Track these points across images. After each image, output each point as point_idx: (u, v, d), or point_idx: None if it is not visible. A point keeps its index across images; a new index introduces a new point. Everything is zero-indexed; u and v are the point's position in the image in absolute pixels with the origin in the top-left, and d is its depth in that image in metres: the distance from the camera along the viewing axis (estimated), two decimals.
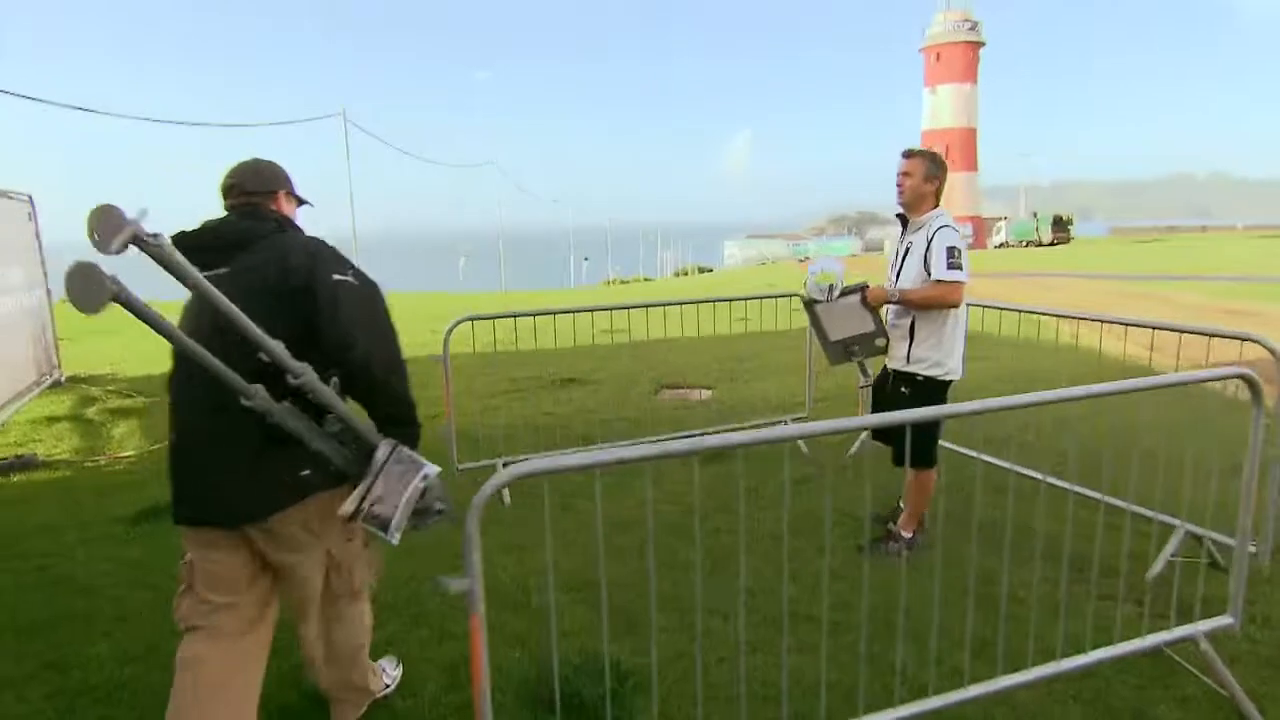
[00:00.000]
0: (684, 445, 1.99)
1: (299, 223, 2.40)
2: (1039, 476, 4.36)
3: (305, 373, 1.97)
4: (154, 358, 10.36)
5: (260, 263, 2.11)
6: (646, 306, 5.55)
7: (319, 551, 2.27)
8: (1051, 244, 49.25)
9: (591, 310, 5.74)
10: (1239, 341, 3.55)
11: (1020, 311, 5.26)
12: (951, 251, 3.54)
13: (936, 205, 3.72)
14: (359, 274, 2.14)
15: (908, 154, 3.74)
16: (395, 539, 2.08)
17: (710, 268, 48.96)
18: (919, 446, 3.76)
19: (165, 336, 1.85)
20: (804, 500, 4.60)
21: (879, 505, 4.48)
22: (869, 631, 3.01)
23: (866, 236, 52.17)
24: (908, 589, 3.50)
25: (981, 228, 52.99)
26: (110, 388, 8.68)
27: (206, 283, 1.78)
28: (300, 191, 2.46)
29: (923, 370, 3.70)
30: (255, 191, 2.30)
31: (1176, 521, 3.82)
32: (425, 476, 2.15)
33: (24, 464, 5.79)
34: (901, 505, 4.21)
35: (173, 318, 1.99)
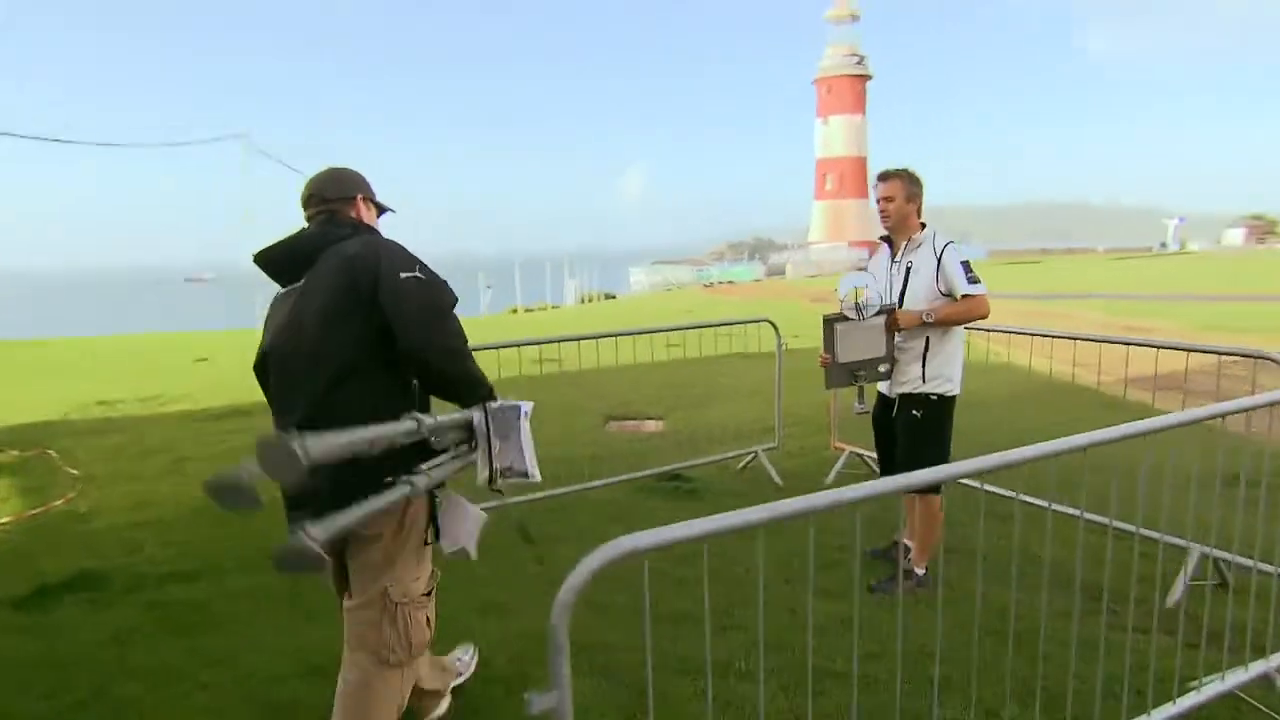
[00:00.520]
0: (798, 505, 1.66)
1: (379, 228, 2.41)
2: (1044, 504, 4.28)
3: (421, 421, 2.03)
4: (18, 404, 9.19)
5: (330, 270, 2.11)
6: (613, 335, 5.19)
7: (379, 582, 2.18)
8: None
9: (559, 341, 5.32)
10: (1251, 359, 3.47)
11: (1031, 335, 5.18)
12: (967, 266, 3.47)
13: (921, 222, 3.61)
14: (425, 269, 2.13)
15: (884, 177, 3.59)
16: (538, 476, 2.28)
17: (614, 294, 48.90)
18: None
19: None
20: (792, 538, 4.32)
21: (874, 537, 4.25)
22: (904, 684, 2.75)
23: (770, 261, 53.40)
24: (928, 630, 3.27)
25: (874, 252, 55.21)
26: None
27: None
28: (380, 199, 2.46)
29: (937, 389, 3.55)
30: (333, 199, 2.30)
31: (1183, 542, 3.74)
32: (525, 413, 2.30)
33: None
34: (901, 540, 3.98)
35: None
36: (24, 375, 12.79)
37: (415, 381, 2.16)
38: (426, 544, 2.28)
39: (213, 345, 17.20)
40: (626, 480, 5.12)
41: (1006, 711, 2.88)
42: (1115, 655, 3.04)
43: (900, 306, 3.58)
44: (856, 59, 57.99)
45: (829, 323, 3.68)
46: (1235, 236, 66.67)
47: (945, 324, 3.50)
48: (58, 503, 5.35)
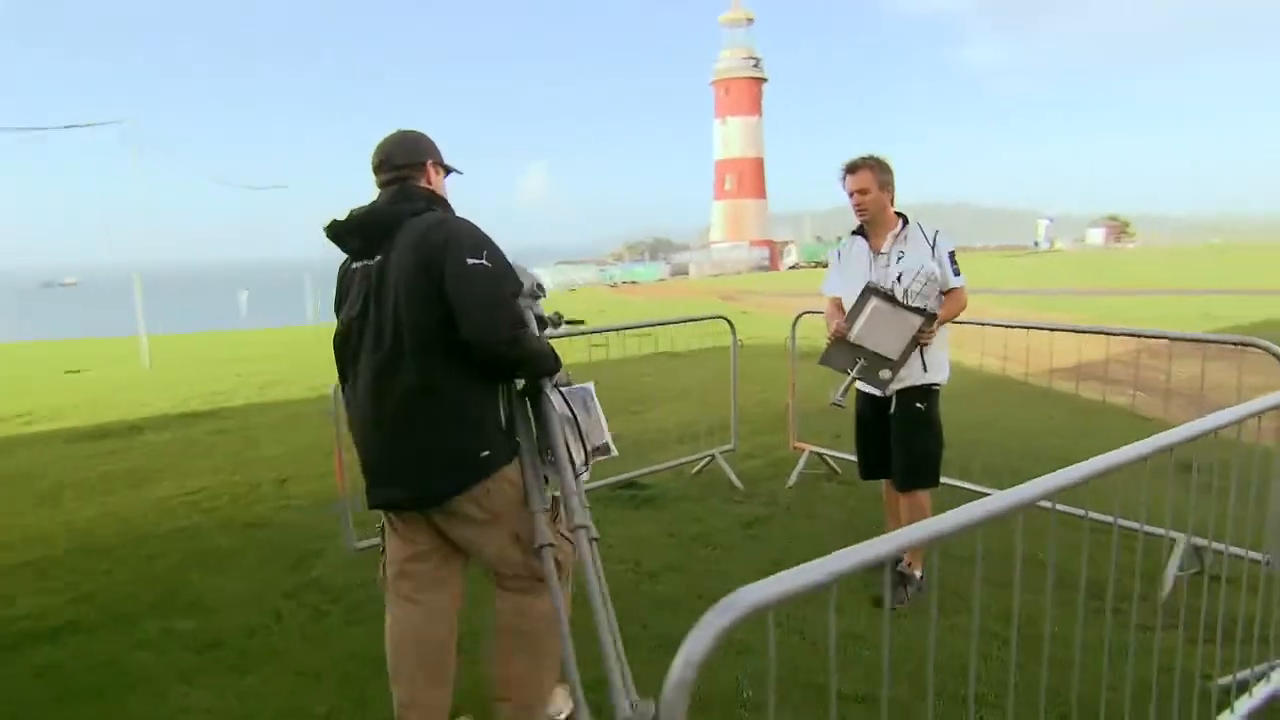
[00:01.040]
0: (923, 533, 1.37)
1: (448, 193, 2.38)
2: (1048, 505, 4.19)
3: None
4: None
5: (409, 247, 2.10)
6: (568, 335, 4.80)
7: (500, 532, 2.23)
8: (819, 267, 53.68)
9: None
10: (1239, 348, 3.45)
11: (1026, 328, 5.07)
12: (953, 257, 3.32)
13: (898, 212, 3.41)
14: (493, 255, 2.13)
15: (852, 169, 3.34)
16: (615, 450, 2.45)
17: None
18: (931, 464, 3.42)
19: None
20: (768, 546, 4.08)
21: (851, 542, 4.05)
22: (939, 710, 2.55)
23: (673, 261, 53.72)
24: (944, 645, 3.08)
25: (775, 251, 56.52)
26: None
27: None
28: (448, 160, 2.40)
29: (935, 378, 3.41)
30: (404, 164, 2.26)
31: (1163, 532, 3.70)
32: (592, 393, 2.40)
33: None
34: None
35: None
36: None
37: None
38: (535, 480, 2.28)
39: (84, 356, 15.65)
40: (601, 486, 4.75)
41: None
42: (1139, 657, 2.93)
43: (899, 301, 3.33)
44: (752, 61, 59.16)
45: (869, 291, 3.35)
46: (1096, 236, 71.92)
47: (945, 322, 3.38)
48: None
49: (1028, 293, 23.72)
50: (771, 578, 1.17)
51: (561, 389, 2.31)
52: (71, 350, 17.25)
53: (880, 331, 3.33)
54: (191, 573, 3.94)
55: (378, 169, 2.29)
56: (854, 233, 3.51)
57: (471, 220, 2.21)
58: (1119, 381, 7.85)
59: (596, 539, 2.25)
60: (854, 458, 4.98)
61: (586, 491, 4.71)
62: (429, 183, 2.30)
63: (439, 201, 2.28)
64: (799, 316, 5.26)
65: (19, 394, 10.40)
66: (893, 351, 3.31)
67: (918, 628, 3.22)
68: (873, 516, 4.39)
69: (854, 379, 3.41)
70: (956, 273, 3.33)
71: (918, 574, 3.46)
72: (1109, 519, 3.92)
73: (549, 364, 2.29)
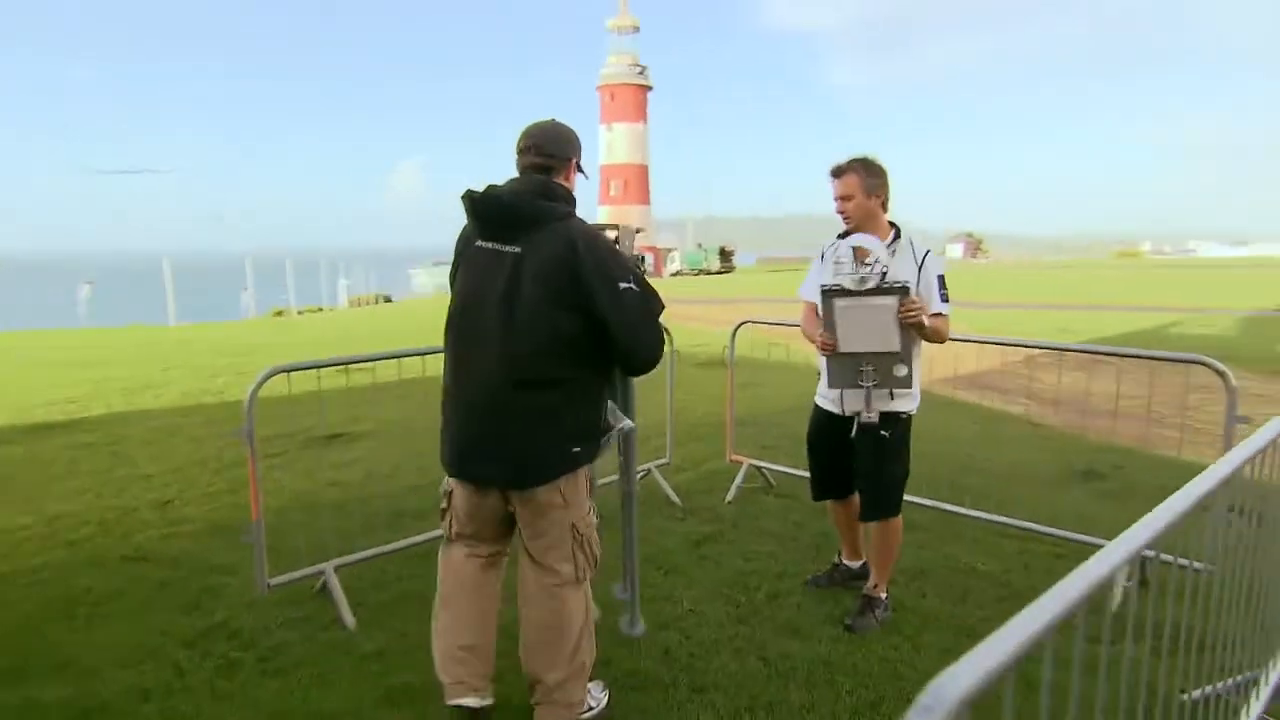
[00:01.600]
0: (1104, 571, 1.22)
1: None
2: (962, 511, 4.22)
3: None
4: None
5: (552, 254, 2.19)
6: None
7: (565, 520, 2.38)
8: (719, 272, 54.73)
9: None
10: (1185, 364, 3.57)
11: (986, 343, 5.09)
12: (942, 281, 3.11)
13: (891, 222, 3.19)
14: (639, 279, 2.26)
15: (837, 172, 3.14)
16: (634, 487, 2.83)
17: (390, 297, 46.14)
18: (892, 494, 3.32)
19: None
20: (723, 568, 3.91)
21: (804, 560, 3.96)
22: None
23: None
24: (915, 664, 3.00)
25: (659, 257, 57.10)
26: None
27: None
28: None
29: (905, 407, 3.22)
30: (552, 155, 2.33)
31: (1104, 542, 3.81)
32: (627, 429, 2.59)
33: None
34: (841, 563, 3.73)
35: None
36: None
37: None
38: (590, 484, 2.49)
39: None
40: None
41: None
42: (1099, 671, 2.95)
43: (860, 291, 3.05)
44: (638, 69, 59.60)
45: (827, 295, 3.08)
46: (955, 250, 77.02)
47: (925, 338, 3.12)
48: None
49: None
50: (968, 661, 0.98)
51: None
52: None
53: (864, 329, 3.06)
54: (55, 624, 3.31)
55: (524, 151, 2.34)
56: (840, 235, 3.25)
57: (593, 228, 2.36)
58: (1010, 390, 8.26)
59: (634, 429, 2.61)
60: (790, 470, 4.96)
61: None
62: (568, 179, 2.39)
63: (573, 206, 2.36)
64: (739, 326, 5.14)
65: None
66: (890, 344, 3.03)
67: (888, 647, 3.14)
68: (818, 528, 4.32)
69: (871, 390, 3.11)
70: (944, 299, 3.08)
71: (883, 596, 3.39)
72: (1052, 531, 4.04)
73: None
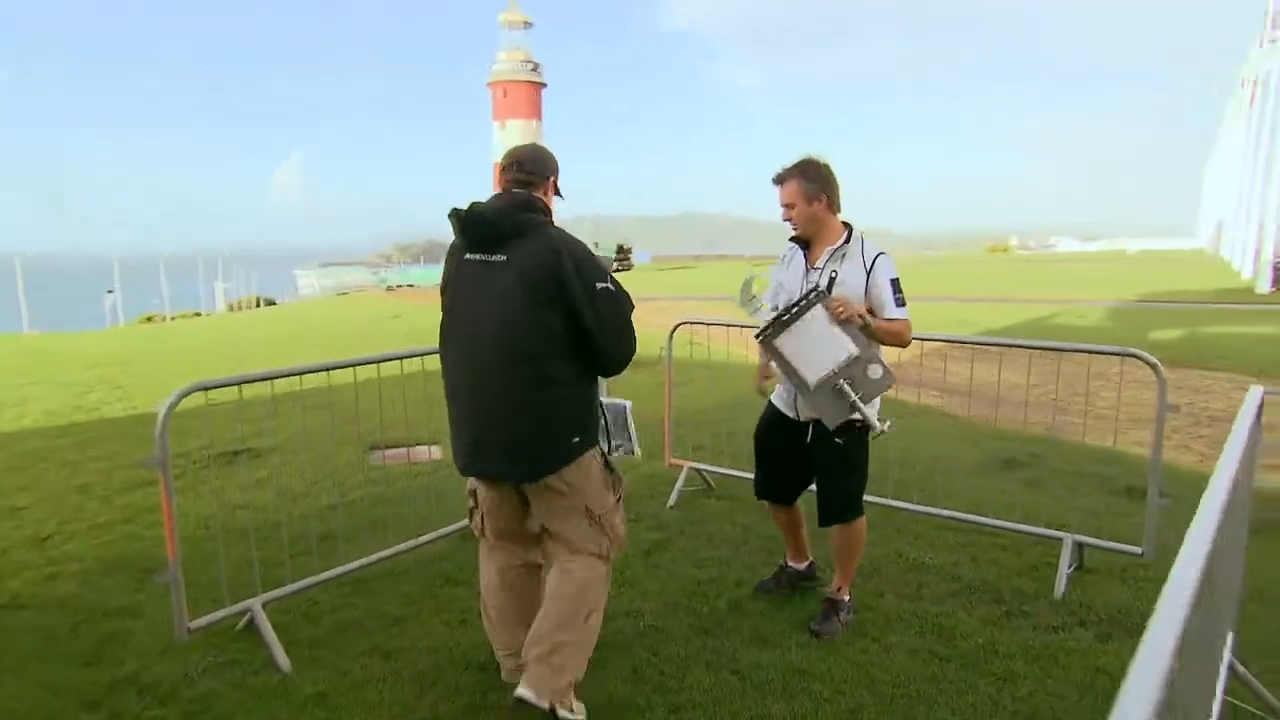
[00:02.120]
0: (1181, 612, 1.15)
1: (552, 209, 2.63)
2: (912, 507, 4.25)
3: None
4: None
5: (537, 261, 2.38)
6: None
7: (578, 502, 2.56)
8: (618, 270, 54.91)
9: (380, 360, 4.12)
10: (1118, 357, 3.69)
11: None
12: (896, 285, 3.03)
13: (844, 222, 3.13)
14: (615, 281, 2.45)
15: (778, 180, 3.07)
16: (638, 452, 3.07)
17: (273, 300, 43.79)
18: (848, 500, 3.27)
19: None
20: (677, 577, 3.79)
21: (757, 564, 3.89)
22: None
23: None
24: (889, 668, 2.98)
25: None
26: None
27: None
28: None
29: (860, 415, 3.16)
30: (533, 173, 2.56)
31: (1044, 530, 3.92)
32: (628, 409, 3.00)
33: None
34: (788, 564, 3.66)
35: None
36: None
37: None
38: (606, 468, 2.67)
39: None
40: (455, 530, 4.16)
41: None
42: (1061, 660, 3.01)
43: (782, 317, 2.97)
44: (531, 65, 58.90)
45: (765, 342, 2.97)
46: None
47: (880, 340, 3.02)
48: None
49: None
50: None
51: (601, 401, 2.77)
52: None
53: (815, 350, 2.91)
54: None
55: (507, 169, 2.58)
56: (792, 239, 3.18)
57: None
58: (925, 384, 8.52)
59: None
60: (729, 471, 4.89)
61: (457, 526, 4.17)
62: (546, 196, 2.59)
63: (550, 215, 2.57)
64: (676, 328, 5.03)
65: None
66: (845, 349, 2.88)
67: (858, 651, 3.10)
68: (765, 531, 4.27)
69: (858, 403, 2.90)
70: (900, 303, 2.98)
71: (847, 598, 3.35)
72: (989, 521, 4.13)
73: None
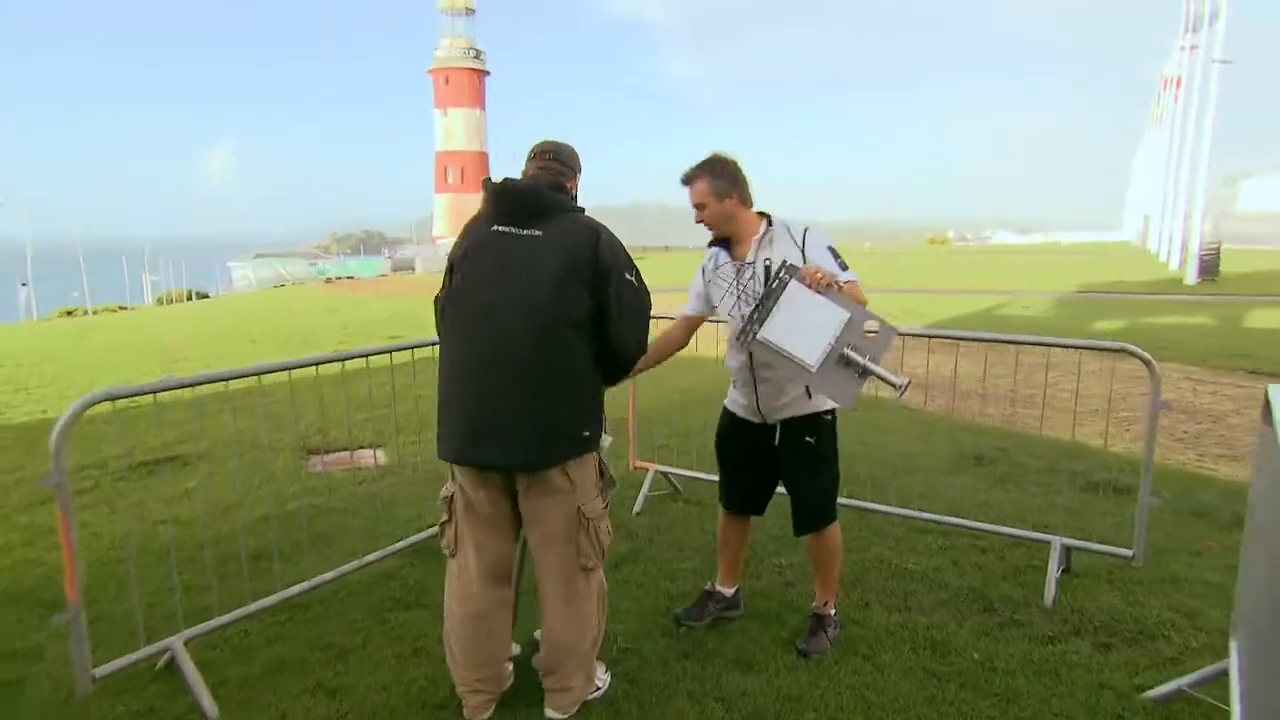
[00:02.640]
0: None
1: None
2: (890, 509, 4.06)
3: None
4: None
5: (575, 238, 2.36)
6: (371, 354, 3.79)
7: (572, 502, 2.44)
8: None
9: (314, 363, 3.67)
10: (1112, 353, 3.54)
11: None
12: (834, 252, 2.83)
13: (760, 213, 2.91)
14: (638, 274, 2.45)
15: (685, 180, 2.86)
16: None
17: (205, 293, 42.07)
18: (825, 502, 3.06)
19: None
20: (649, 592, 3.53)
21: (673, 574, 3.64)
22: None
23: (396, 256, 50.51)
24: (885, 690, 2.77)
25: None
26: None
27: None
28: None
29: (825, 404, 2.93)
30: (565, 164, 2.55)
31: (1029, 533, 3.77)
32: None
33: None
34: (716, 588, 3.31)
35: None
36: None
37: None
38: (600, 472, 2.56)
39: None
40: (405, 545, 3.81)
41: None
42: (1069, 673, 2.84)
43: (765, 298, 2.68)
44: (474, 53, 57.73)
45: (750, 343, 2.67)
46: None
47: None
48: None
49: None
50: None
51: None
52: None
53: (808, 327, 2.61)
54: None
55: (540, 154, 2.54)
56: (711, 244, 2.99)
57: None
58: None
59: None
60: (695, 474, 4.64)
61: (416, 542, 3.83)
62: (572, 189, 2.56)
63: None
64: None
65: None
66: (838, 314, 2.59)
67: (849, 671, 2.88)
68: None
69: (869, 365, 2.58)
70: (844, 266, 2.79)
71: (833, 612, 3.13)
72: (967, 524, 3.97)
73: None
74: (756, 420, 3.02)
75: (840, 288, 2.67)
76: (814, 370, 2.62)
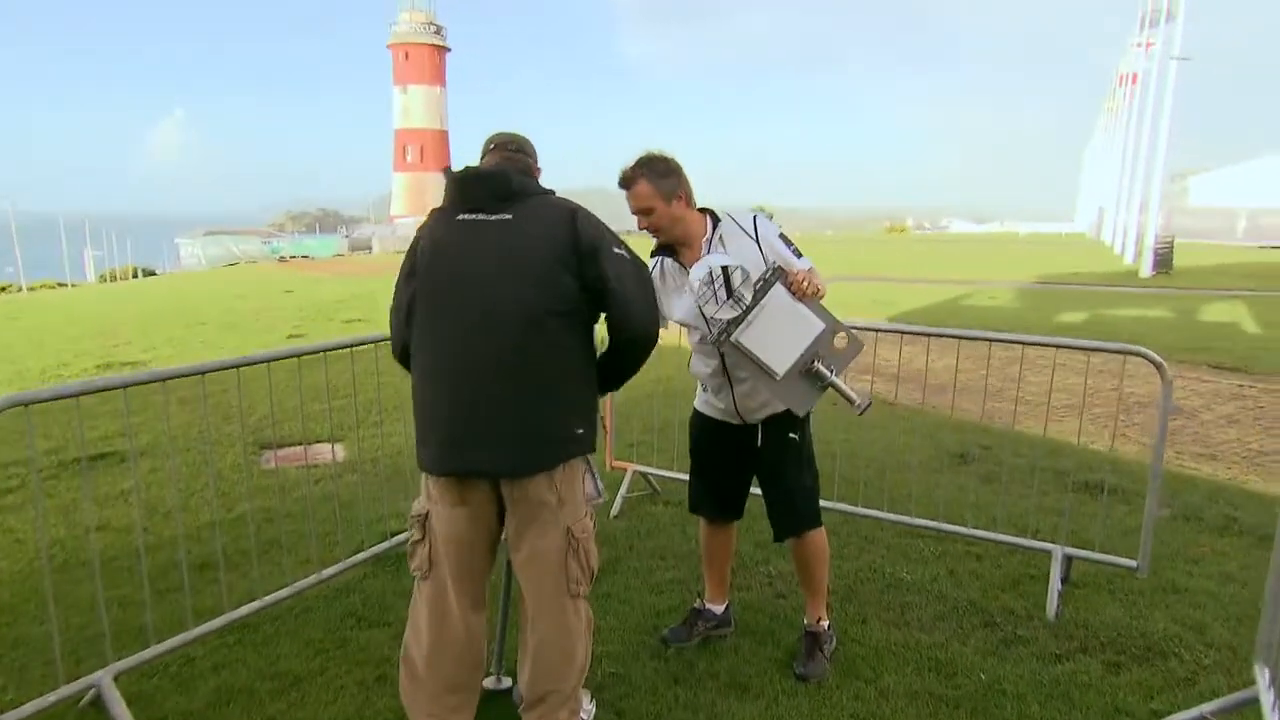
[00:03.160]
0: None
1: None
2: (883, 515, 3.87)
3: None
4: None
5: (550, 217, 2.18)
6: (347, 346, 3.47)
7: (560, 522, 2.23)
8: None
9: (241, 364, 3.29)
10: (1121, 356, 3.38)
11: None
12: (786, 240, 2.67)
13: (704, 209, 2.70)
14: (627, 248, 2.25)
15: (624, 184, 2.59)
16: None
17: (153, 270, 40.62)
18: (813, 501, 2.89)
19: None
20: (634, 609, 3.29)
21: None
22: None
23: (353, 235, 49.23)
24: (882, 718, 2.58)
25: None
26: None
27: None
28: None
29: None
30: (526, 154, 2.38)
31: (1039, 544, 3.61)
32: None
33: None
34: (705, 605, 3.09)
35: None
36: None
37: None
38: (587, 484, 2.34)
39: None
40: (368, 557, 3.51)
41: None
42: (1075, 699, 2.68)
43: (729, 298, 2.48)
44: (434, 28, 56.44)
45: (724, 345, 2.53)
46: None
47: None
48: None
49: None
50: None
51: None
52: None
53: (782, 335, 2.50)
54: None
55: (500, 147, 2.36)
56: (655, 253, 2.73)
57: None
58: (851, 368, 8.27)
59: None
60: (670, 473, 4.42)
61: (380, 552, 3.54)
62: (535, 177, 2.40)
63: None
64: None
65: None
66: (815, 325, 2.51)
67: (851, 697, 2.68)
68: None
69: (834, 380, 2.53)
70: (798, 254, 2.65)
71: (826, 625, 2.94)
72: (962, 530, 3.81)
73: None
74: (735, 422, 2.82)
75: (821, 289, 2.56)
76: (778, 378, 2.54)
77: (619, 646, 2.97)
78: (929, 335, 3.86)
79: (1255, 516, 4.37)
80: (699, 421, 2.97)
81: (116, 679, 2.46)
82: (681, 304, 2.68)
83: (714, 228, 2.67)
